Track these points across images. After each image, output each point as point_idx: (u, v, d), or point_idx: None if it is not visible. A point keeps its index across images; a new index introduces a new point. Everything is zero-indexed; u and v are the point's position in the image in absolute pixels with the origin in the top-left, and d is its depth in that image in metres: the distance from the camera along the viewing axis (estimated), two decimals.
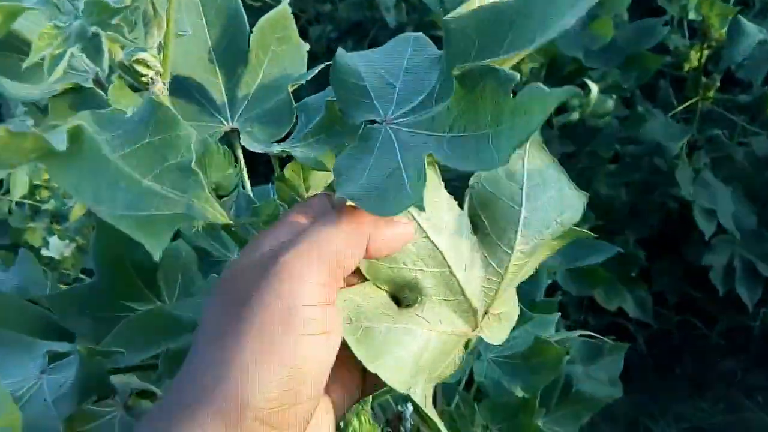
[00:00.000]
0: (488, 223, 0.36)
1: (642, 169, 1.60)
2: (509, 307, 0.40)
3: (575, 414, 0.85)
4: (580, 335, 0.70)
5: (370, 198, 0.30)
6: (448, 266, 0.35)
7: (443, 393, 0.78)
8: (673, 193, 1.55)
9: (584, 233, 0.39)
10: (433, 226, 0.34)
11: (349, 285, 0.34)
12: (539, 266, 0.84)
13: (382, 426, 0.71)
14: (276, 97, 0.51)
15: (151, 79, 0.32)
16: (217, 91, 0.52)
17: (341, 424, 0.60)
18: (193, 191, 0.25)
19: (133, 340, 0.40)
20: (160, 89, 0.32)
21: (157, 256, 0.23)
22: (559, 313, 0.69)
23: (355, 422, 0.59)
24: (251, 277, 0.30)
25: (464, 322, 0.36)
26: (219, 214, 0.25)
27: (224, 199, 0.42)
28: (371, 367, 0.33)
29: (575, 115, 1.52)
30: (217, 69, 0.51)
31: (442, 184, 0.35)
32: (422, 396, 0.35)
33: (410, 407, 0.72)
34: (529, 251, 0.36)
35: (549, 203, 0.36)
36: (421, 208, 0.28)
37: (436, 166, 0.34)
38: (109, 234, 0.44)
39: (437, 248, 0.34)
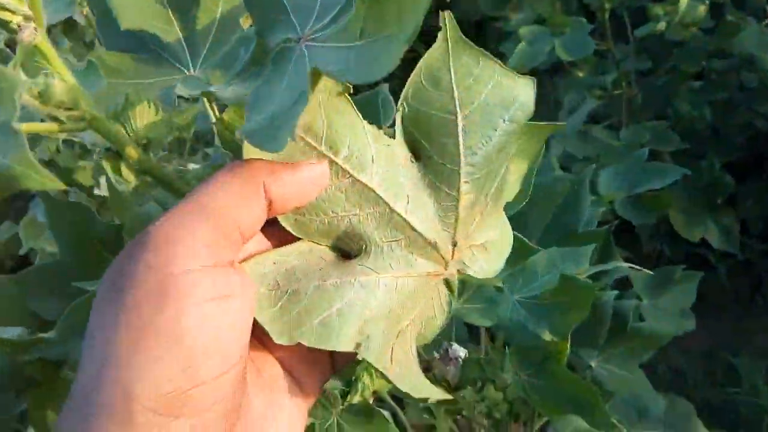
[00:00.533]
0: (427, 144, 0.31)
1: (728, 86, 1.45)
2: (494, 234, 0.36)
3: (632, 352, 0.78)
4: (616, 267, 0.63)
5: (263, 131, 0.26)
6: (385, 203, 0.31)
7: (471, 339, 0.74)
8: (763, 111, 1.40)
9: (552, 127, 0.35)
10: (357, 163, 0.30)
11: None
12: (580, 191, 0.78)
13: None
14: (234, 36, 0.47)
15: (18, 25, 0.28)
16: (174, 38, 0.48)
17: (353, 378, 0.57)
18: (13, 154, 0.21)
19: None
20: (31, 35, 0.28)
21: None
22: (594, 245, 0.63)
23: (366, 378, 0.56)
24: (127, 255, 0.26)
25: (426, 260, 0.32)
26: (47, 179, 0.22)
27: (160, 153, 0.38)
28: (287, 340, 0.29)
29: (662, 25, 1.36)
30: (170, 13, 0.47)
31: (359, 115, 0.30)
32: (378, 352, 0.30)
33: (456, 348, 0.69)
34: (482, 162, 0.32)
35: (488, 101, 0.31)
36: (291, 137, 0.23)
37: (349, 98, 0.30)
38: (60, 208, 0.41)
39: (367, 186, 0.30)
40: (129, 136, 0.37)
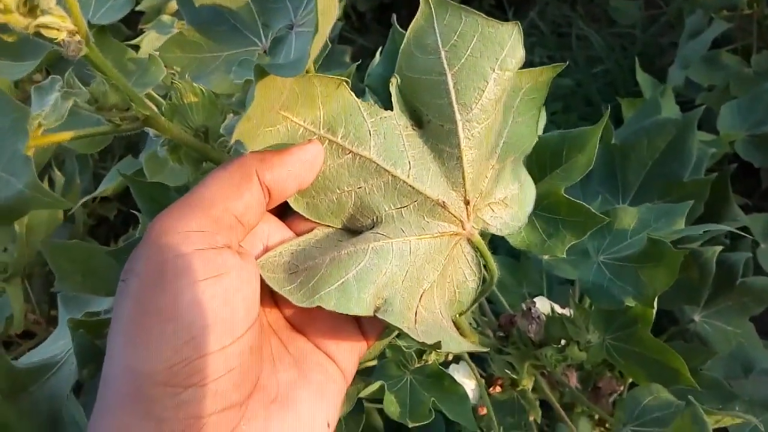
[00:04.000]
0: (425, 109, 0.32)
1: None
2: (514, 189, 0.36)
3: (741, 306, 0.73)
4: (705, 231, 0.59)
5: (233, 127, 0.28)
6: (387, 171, 0.32)
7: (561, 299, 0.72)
8: None
9: (553, 69, 0.35)
10: (354, 139, 0.32)
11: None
12: (686, 135, 0.72)
13: (495, 331, 0.69)
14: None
15: (63, 40, 0.29)
16: (247, 10, 0.49)
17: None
18: (25, 180, 0.23)
19: None
20: (76, 49, 0.30)
21: None
22: (692, 201, 0.58)
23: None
24: (133, 252, 0.29)
25: (438, 220, 0.34)
26: (54, 201, 0.23)
27: (221, 139, 0.40)
28: (308, 304, 0.30)
29: None
30: None
31: (353, 95, 0.32)
32: (399, 314, 0.32)
33: (540, 306, 0.68)
34: (480, 116, 0.32)
35: (474, 54, 0.31)
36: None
37: (346, 85, 0.31)
38: (143, 186, 0.44)
39: (367, 159, 0.32)
40: (188, 127, 0.39)
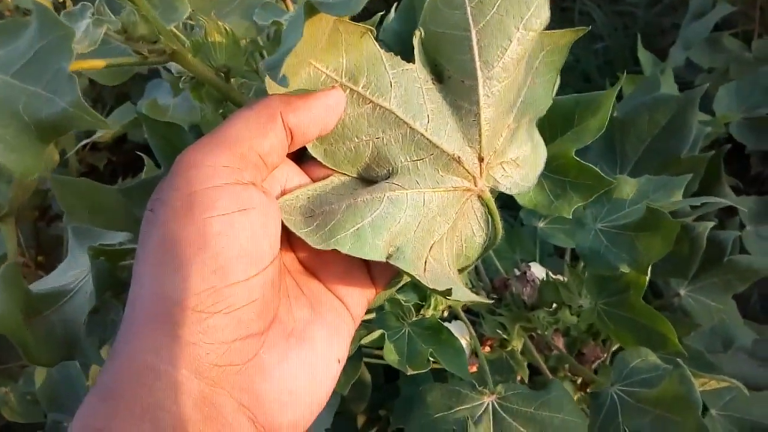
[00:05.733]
0: (446, 64, 0.33)
1: None
2: (526, 150, 0.37)
3: (726, 283, 0.75)
4: (702, 204, 0.60)
5: (273, 63, 0.28)
6: (405, 123, 0.33)
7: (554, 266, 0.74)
8: None
9: (574, 33, 0.35)
10: (376, 89, 0.32)
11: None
12: (687, 113, 0.73)
13: (488, 293, 0.70)
14: None
15: None
16: None
17: (428, 293, 0.59)
18: (68, 98, 0.23)
19: None
20: None
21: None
22: (690, 175, 0.59)
23: None
24: (160, 183, 0.29)
25: (452, 175, 0.34)
26: (97, 120, 0.24)
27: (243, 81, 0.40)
28: (324, 246, 0.31)
29: None
30: None
31: (377, 45, 0.32)
32: (410, 261, 0.33)
33: (534, 270, 0.70)
34: (501, 74, 0.32)
35: (500, 12, 0.31)
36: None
37: (371, 34, 0.32)
38: (157, 125, 0.44)
39: (387, 110, 0.32)
40: (210, 65, 0.39)
